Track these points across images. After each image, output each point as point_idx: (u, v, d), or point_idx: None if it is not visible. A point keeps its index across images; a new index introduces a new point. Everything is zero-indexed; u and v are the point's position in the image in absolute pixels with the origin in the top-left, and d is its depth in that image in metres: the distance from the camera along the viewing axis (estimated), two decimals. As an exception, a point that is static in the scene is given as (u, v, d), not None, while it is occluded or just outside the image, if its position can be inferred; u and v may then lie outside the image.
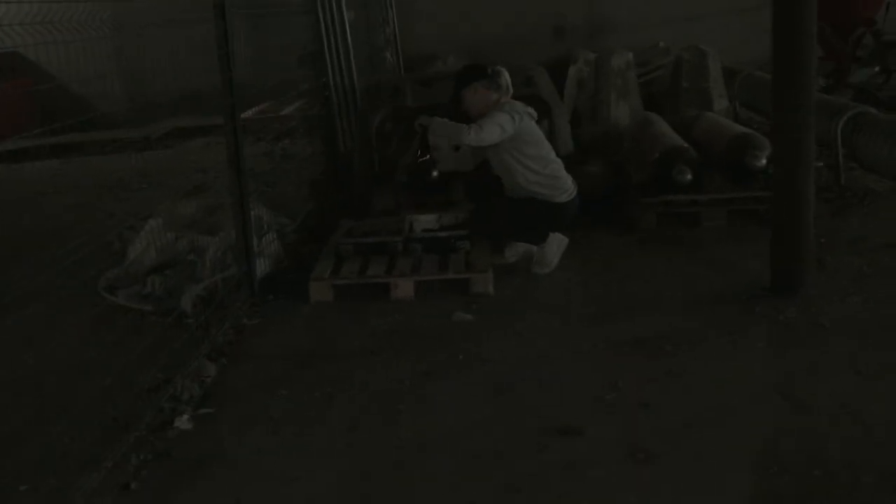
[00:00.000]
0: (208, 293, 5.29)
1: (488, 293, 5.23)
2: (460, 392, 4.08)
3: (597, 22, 12.40)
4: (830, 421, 3.60)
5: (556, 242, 5.60)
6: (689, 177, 6.09)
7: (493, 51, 11.77)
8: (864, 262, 5.24)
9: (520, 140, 5.36)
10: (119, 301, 5.43)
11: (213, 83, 12.19)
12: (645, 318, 4.75)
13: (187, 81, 12.71)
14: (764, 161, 6.05)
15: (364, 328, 4.90)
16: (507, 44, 12.09)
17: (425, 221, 5.84)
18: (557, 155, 6.47)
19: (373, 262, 5.50)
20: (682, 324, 4.64)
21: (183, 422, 3.88)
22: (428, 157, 5.77)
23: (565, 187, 5.52)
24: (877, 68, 9.97)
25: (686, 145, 6.38)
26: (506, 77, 5.51)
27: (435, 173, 6.37)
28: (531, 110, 5.49)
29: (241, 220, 5.18)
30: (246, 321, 5.03)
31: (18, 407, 4.00)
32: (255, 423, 3.92)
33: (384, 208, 6.59)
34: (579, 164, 7.06)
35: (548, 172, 5.48)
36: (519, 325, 4.80)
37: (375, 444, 3.68)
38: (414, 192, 6.31)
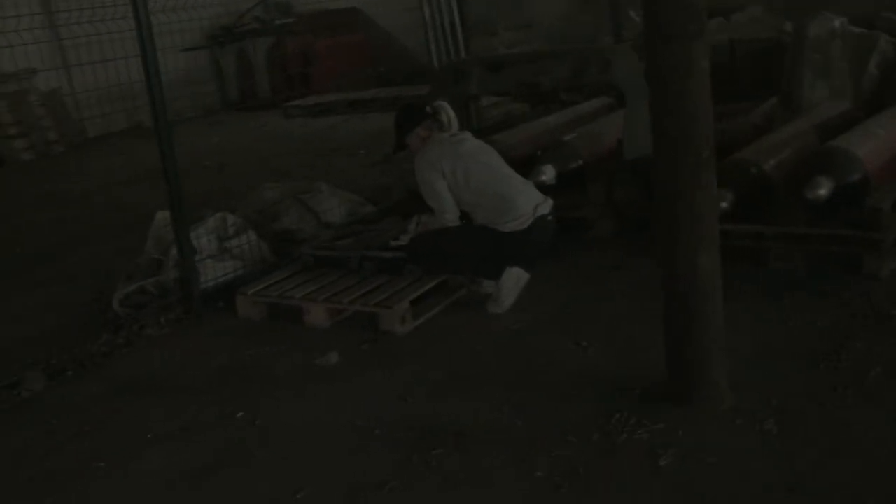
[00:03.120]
0: (161, 292, 5.20)
1: (394, 332, 4.46)
2: (158, 468, 3.50)
3: None
4: None
5: (514, 279, 4.58)
6: (723, 204, 4.56)
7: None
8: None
9: (458, 174, 4.56)
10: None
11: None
12: (489, 398, 3.69)
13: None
14: (823, 191, 4.32)
15: (230, 357, 4.46)
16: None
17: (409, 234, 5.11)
18: (621, 158, 5.35)
19: (317, 279, 4.96)
20: (505, 416, 3.55)
21: None
22: None
23: (515, 214, 4.48)
24: None
25: (751, 159, 4.78)
26: (447, 112, 4.69)
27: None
28: (460, 136, 4.68)
29: (176, 219, 4.96)
30: (151, 331, 4.84)
31: None
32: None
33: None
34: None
35: (490, 193, 4.51)
36: (365, 381, 4.04)
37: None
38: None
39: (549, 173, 5.33)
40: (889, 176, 4.67)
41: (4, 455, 3.75)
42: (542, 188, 4.94)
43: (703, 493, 2.92)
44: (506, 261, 4.56)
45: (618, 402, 3.52)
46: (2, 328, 5.13)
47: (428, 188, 4.60)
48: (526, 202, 4.52)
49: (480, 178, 4.53)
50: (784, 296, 4.35)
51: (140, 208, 7.00)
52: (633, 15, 9.03)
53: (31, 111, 11.16)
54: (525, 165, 5.31)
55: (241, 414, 3.86)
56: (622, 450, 3.21)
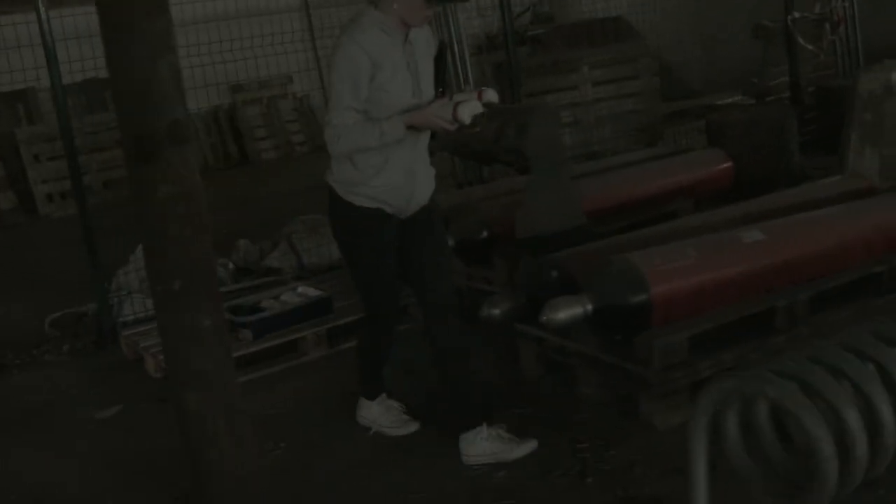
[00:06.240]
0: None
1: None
2: None
3: None
4: None
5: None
6: (495, 311, 3.90)
7: None
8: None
9: None
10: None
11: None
12: None
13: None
14: (562, 315, 3.53)
15: (60, 395, 4.79)
16: None
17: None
18: (518, 246, 4.84)
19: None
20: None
21: None
22: None
23: None
24: None
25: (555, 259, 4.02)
26: None
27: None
28: None
29: (89, 253, 5.34)
30: (50, 357, 5.29)
31: None
32: None
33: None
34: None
35: None
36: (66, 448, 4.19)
37: None
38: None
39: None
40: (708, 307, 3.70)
41: None
42: None
43: None
44: None
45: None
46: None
47: None
48: None
49: None
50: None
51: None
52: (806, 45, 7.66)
53: (279, 115, 12.31)
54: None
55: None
56: None
